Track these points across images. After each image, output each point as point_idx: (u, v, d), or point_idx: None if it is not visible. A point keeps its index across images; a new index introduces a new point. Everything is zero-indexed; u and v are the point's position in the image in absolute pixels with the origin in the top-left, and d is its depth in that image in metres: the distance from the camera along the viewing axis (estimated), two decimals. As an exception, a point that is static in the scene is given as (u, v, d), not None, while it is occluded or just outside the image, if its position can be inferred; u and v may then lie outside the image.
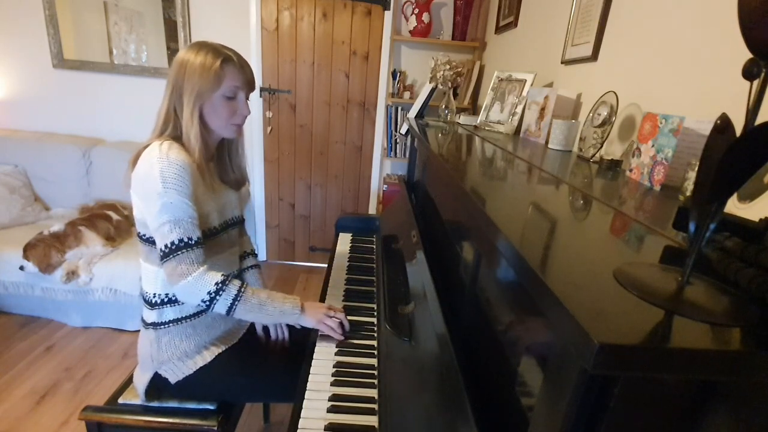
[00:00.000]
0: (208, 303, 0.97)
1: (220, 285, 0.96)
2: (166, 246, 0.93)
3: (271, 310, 1.03)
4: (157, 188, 0.92)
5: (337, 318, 1.08)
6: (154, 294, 1.05)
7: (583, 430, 0.37)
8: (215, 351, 1.10)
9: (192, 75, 0.97)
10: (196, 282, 0.95)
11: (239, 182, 1.18)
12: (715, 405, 0.37)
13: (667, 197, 0.77)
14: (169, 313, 1.06)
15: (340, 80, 2.76)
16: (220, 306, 0.98)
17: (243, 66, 1.02)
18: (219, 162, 1.13)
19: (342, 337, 1.08)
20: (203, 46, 0.99)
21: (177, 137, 1.01)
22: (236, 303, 0.98)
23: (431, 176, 1.38)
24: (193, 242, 0.95)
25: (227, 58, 0.99)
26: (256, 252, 1.36)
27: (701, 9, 0.92)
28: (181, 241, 0.93)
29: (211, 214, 1.04)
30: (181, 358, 1.07)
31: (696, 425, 0.38)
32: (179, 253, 0.93)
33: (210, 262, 1.04)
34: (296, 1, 2.58)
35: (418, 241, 1.12)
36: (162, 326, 1.06)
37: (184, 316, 1.07)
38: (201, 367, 1.07)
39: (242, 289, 1.00)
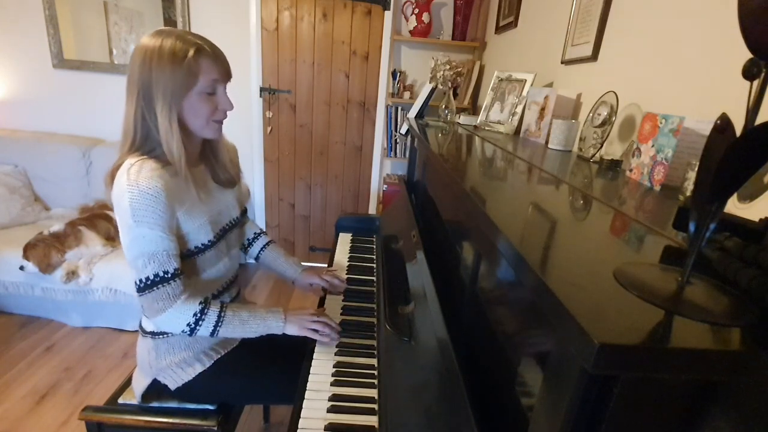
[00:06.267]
0: (188, 332, 0.94)
1: (198, 315, 0.93)
2: (141, 281, 0.89)
3: (255, 326, 1.00)
4: (127, 221, 0.85)
5: (320, 321, 1.05)
6: None
7: (583, 430, 0.37)
8: (214, 356, 1.08)
9: (160, 73, 0.84)
10: (174, 315, 0.92)
11: (232, 181, 1.11)
12: (715, 405, 0.37)
13: (667, 197, 0.77)
14: None
15: (340, 80, 2.76)
16: (203, 332, 0.95)
17: (217, 54, 0.90)
18: (207, 163, 1.06)
19: (327, 339, 1.05)
20: (167, 35, 0.85)
21: (151, 150, 0.91)
22: (218, 327, 0.96)
23: (431, 176, 1.38)
24: (169, 275, 0.90)
25: (199, 48, 0.86)
26: (264, 230, 1.32)
27: (701, 9, 0.91)
28: (156, 275, 0.89)
29: (203, 228, 0.98)
30: (180, 365, 1.05)
31: (696, 425, 0.38)
32: (155, 288, 0.89)
33: (206, 271, 1.03)
34: (296, 1, 2.58)
35: (418, 241, 1.12)
36: (160, 336, 1.04)
37: None
38: (200, 373, 1.05)
39: (222, 314, 0.96)
